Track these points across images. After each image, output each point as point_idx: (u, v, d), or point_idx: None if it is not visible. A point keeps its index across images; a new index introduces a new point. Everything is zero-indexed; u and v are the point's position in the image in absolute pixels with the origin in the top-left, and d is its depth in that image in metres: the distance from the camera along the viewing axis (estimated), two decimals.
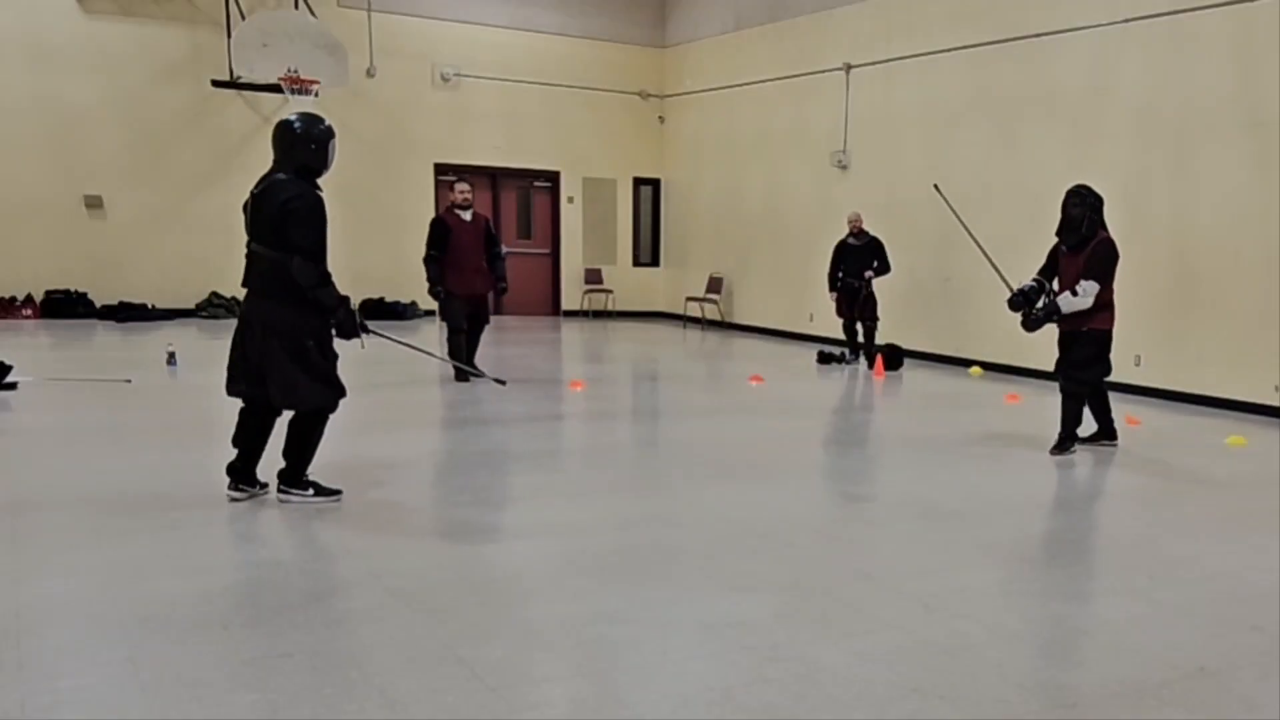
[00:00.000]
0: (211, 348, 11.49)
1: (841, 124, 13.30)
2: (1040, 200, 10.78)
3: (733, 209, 15.46)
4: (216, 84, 13.56)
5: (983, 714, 3.03)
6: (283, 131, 4.90)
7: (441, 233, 9.26)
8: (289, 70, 12.92)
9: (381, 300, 14.94)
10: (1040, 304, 6.86)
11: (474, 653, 3.33)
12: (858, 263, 11.43)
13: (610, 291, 16.76)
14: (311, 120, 4.94)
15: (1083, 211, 6.71)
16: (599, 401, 9.06)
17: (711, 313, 15.82)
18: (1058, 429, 7.03)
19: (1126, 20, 9.79)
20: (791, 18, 14.13)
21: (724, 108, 15.57)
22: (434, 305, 10.22)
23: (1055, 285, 7.00)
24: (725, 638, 3.54)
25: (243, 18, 13.37)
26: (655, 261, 17.47)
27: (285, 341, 4.83)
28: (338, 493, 5.16)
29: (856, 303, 11.54)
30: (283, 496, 5.10)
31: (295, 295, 4.79)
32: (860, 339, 11.70)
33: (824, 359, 11.81)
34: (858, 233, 11.46)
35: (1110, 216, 10.11)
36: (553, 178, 16.51)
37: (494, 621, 3.64)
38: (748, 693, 3.12)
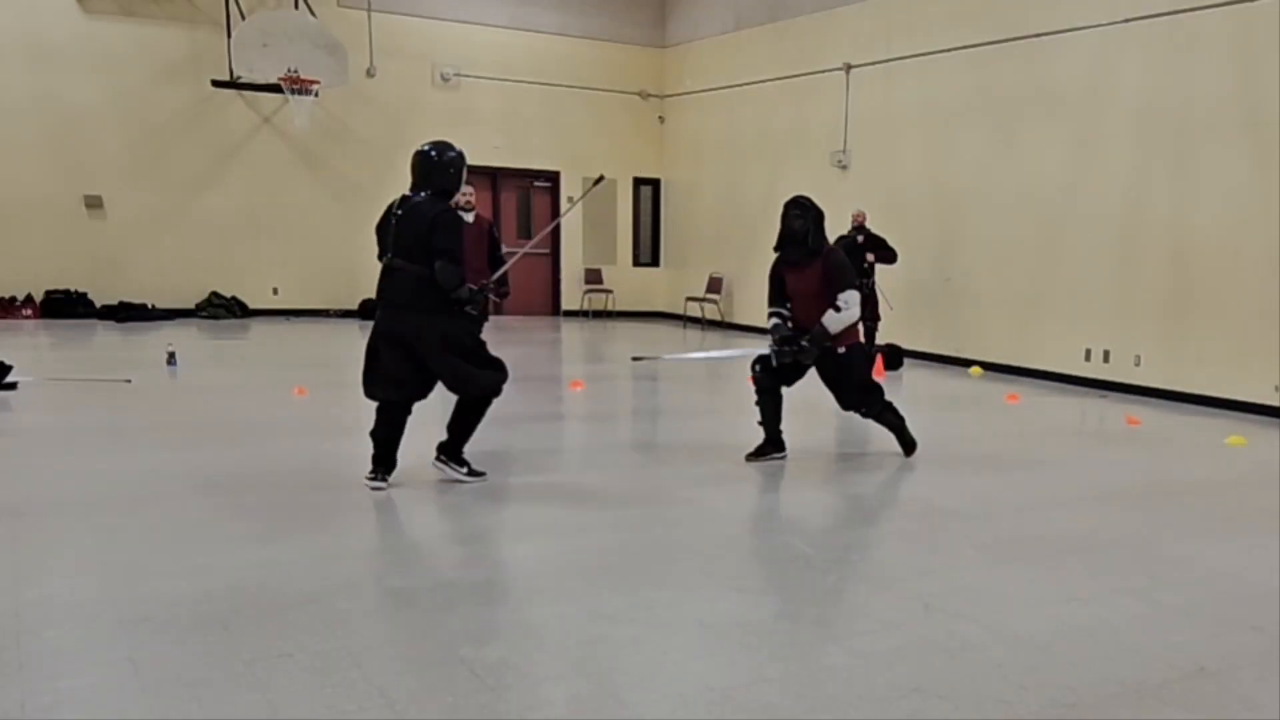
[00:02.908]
0: (211, 348, 11.51)
1: (841, 124, 13.30)
2: (1040, 200, 10.81)
3: (733, 209, 15.46)
4: (216, 84, 13.56)
5: (983, 714, 3.03)
6: (422, 159, 5.35)
7: None
8: (289, 70, 12.92)
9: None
10: (804, 339, 6.25)
11: (474, 653, 3.33)
12: (859, 261, 11.42)
13: (610, 291, 16.76)
14: (445, 147, 5.41)
15: (805, 224, 6.21)
16: (599, 401, 9.06)
17: (711, 313, 15.82)
18: (900, 443, 6.69)
19: (1126, 20, 9.79)
20: (791, 18, 14.13)
21: (724, 108, 15.57)
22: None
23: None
24: (725, 638, 3.54)
25: (243, 18, 13.37)
26: (655, 261, 17.47)
27: (450, 344, 5.28)
28: (484, 475, 5.66)
29: None
30: (439, 466, 5.59)
31: (444, 303, 5.22)
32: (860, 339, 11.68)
33: None
34: (859, 229, 11.44)
35: (1111, 216, 10.20)
36: (553, 178, 16.50)
37: (494, 621, 3.64)
38: (748, 693, 3.12)
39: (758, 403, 6.50)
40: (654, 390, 10.34)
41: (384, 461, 5.45)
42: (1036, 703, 3.11)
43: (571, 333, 14.86)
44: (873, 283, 11.55)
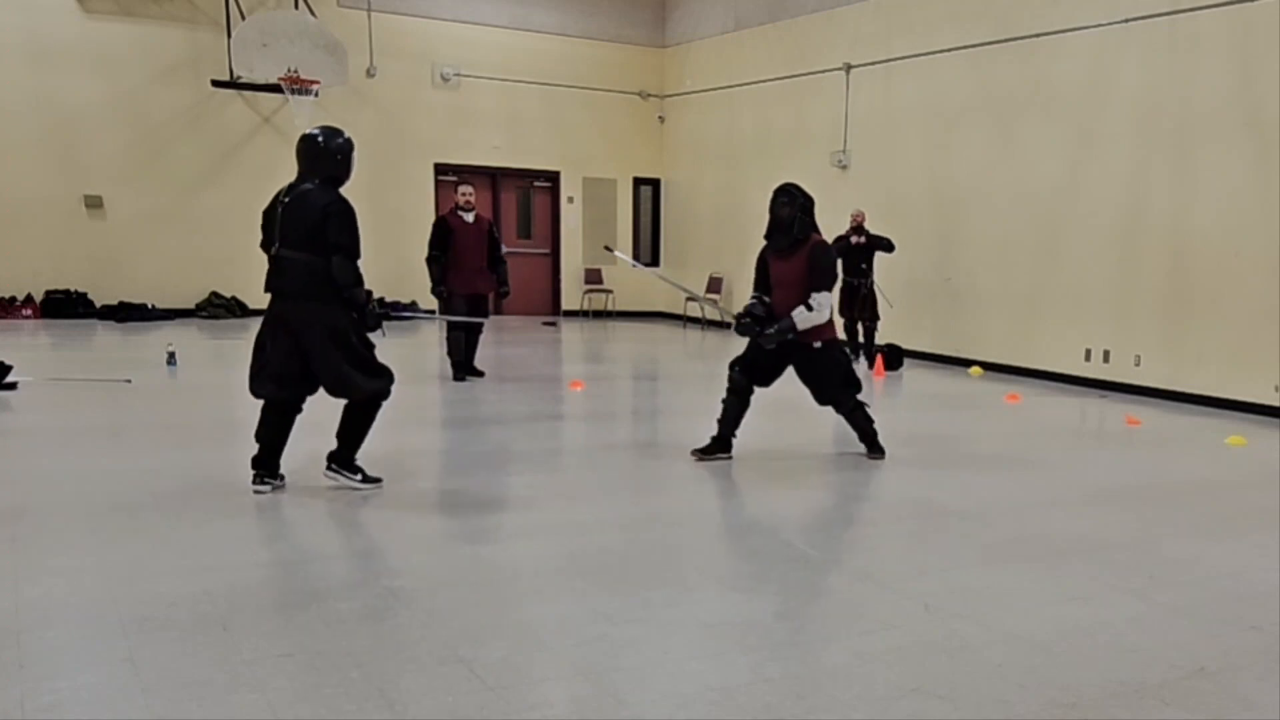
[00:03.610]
0: (211, 348, 11.51)
1: (841, 124, 13.30)
2: (1040, 200, 10.81)
3: (733, 209, 15.45)
4: (216, 84, 13.56)
5: (983, 714, 3.04)
6: (308, 145, 5.16)
7: (444, 233, 9.33)
8: (289, 70, 12.91)
9: (382, 300, 14.87)
10: (773, 326, 6.13)
11: (474, 653, 3.33)
12: (858, 261, 11.45)
13: (610, 291, 16.76)
14: (333, 133, 5.22)
15: (793, 212, 6.09)
16: (599, 401, 9.06)
17: (711, 313, 15.82)
18: (865, 444, 6.57)
19: (1126, 20, 9.79)
20: (791, 18, 14.13)
21: (724, 108, 15.57)
22: (435, 304, 10.25)
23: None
24: (725, 638, 3.54)
25: (243, 18, 13.37)
26: (655, 261, 17.46)
27: (333, 340, 5.06)
28: (379, 481, 5.38)
29: (857, 302, 11.55)
30: (330, 475, 5.34)
31: (333, 296, 5.02)
32: (861, 339, 11.70)
33: None
34: (857, 229, 11.46)
35: (1110, 216, 10.21)
36: (553, 178, 16.51)
37: (494, 621, 3.64)
38: (748, 693, 3.12)
39: (724, 400, 6.40)
40: (654, 390, 10.34)
41: (267, 465, 5.21)
42: (1036, 703, 3.11)
43: (571, 333, 14.86)
44: (871, 282, 11.57)
